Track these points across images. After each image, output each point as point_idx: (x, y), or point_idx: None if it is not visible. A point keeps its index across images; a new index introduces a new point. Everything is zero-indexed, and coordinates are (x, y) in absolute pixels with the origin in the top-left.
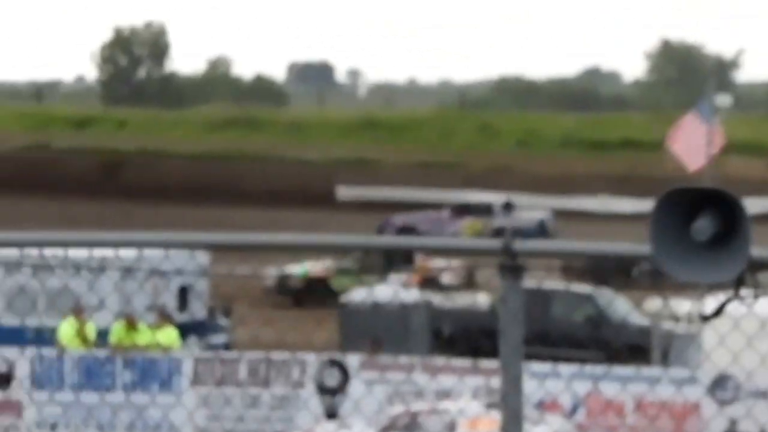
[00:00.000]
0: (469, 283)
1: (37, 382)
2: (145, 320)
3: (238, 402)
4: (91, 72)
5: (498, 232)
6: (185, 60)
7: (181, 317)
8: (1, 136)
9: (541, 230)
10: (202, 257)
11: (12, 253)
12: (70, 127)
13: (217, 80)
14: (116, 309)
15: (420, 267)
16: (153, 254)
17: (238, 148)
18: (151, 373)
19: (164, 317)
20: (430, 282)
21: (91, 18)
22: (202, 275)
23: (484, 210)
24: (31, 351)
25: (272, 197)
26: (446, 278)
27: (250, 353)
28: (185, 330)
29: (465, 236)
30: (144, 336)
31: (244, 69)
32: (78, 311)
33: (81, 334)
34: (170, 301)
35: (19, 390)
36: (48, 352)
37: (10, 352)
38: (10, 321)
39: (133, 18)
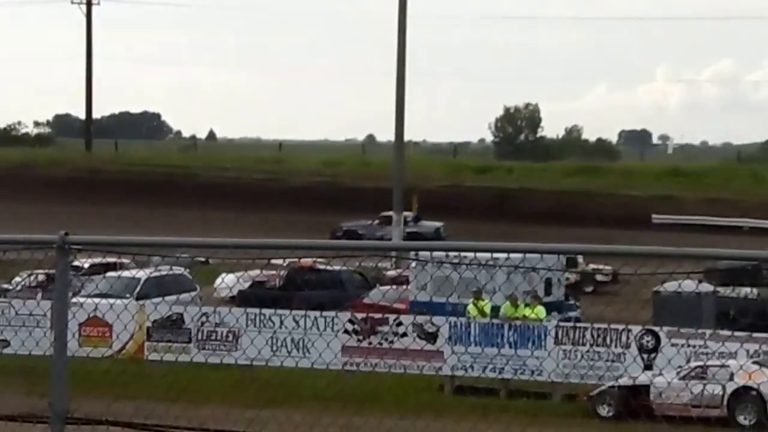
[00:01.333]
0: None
1: (454, 338)
2: (524, 301)
3: (583, 358)
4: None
5: (408, 237)
6: None
7: (547, 299)
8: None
9: (436, 235)
10: (563, 259)
11: (439, 255)
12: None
13: None
14: (506, 293)
15: None
16: (532, 257)
17: None
18: (528, 335)
19: (536, 299)
20: None
21: None
22: (562, 270)
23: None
24: (451, 319)
25: None
26: None
27: (594, 324)
28: (550, 307)
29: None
30: (523, 311)
31: None
32: (478, 295)
33: (480, 310)
34: (540, 288)
35: (442, 343)
36: (461, 320)
37: (437, 319)
38: (437, 299)
39: None
